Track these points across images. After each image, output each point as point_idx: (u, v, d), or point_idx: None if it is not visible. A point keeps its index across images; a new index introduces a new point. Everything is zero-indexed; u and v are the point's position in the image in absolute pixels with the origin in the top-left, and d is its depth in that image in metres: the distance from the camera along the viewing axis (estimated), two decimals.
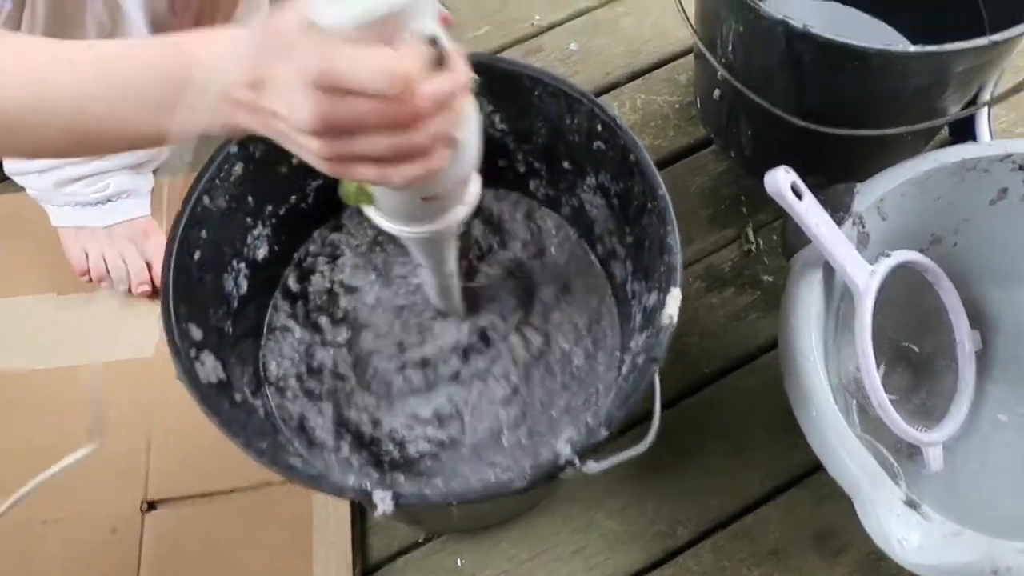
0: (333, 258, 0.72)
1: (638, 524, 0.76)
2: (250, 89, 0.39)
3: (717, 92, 0.85)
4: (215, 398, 0.54)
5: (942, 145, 0.86)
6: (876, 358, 0.67)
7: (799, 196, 0.65)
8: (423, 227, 0.52)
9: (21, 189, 0.86)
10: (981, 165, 0.71)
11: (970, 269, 0.77)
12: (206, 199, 0.60)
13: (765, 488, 0.77)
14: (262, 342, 0.68)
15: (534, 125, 0.68)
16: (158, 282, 0.73)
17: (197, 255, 0.59)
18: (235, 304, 0.64)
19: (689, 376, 0.82)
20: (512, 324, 0.70)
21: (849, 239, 0.68)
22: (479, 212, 0.75)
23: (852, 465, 0.60)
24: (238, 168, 0.62)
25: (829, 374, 0.65)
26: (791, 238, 0.71)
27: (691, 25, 0.80)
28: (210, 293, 0.61)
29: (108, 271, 0.84)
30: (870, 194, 0.70)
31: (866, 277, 0.68)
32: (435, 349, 0.67)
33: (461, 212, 0.53)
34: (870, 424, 0.74)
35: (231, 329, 0.63)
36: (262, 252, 0.67)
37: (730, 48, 0.77)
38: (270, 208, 0.67)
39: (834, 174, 0.78)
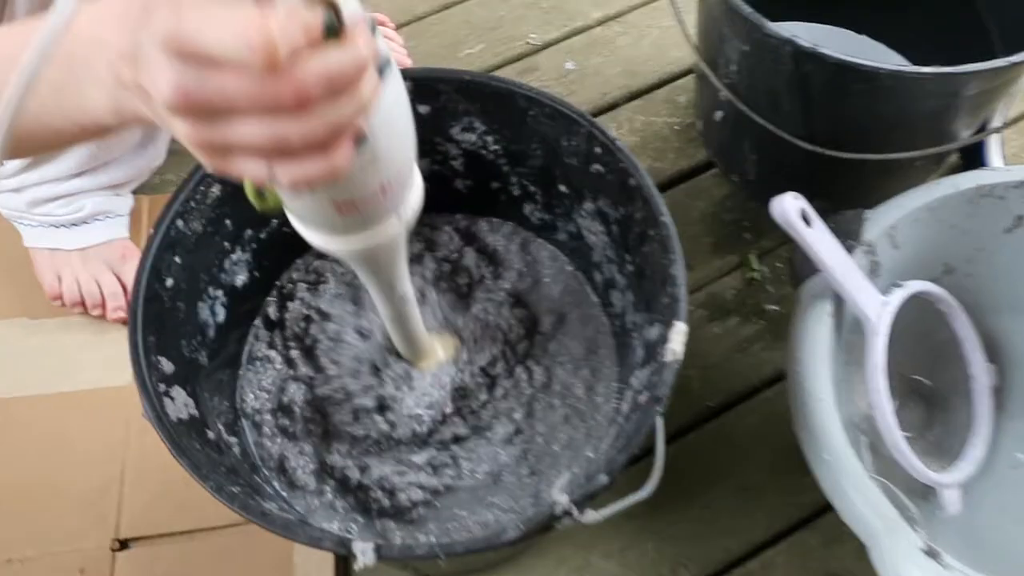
0: (316, 284, 0.68)
1: (638, 567, 0.72)
2: (129, 66, 0.32)
3: (719, 113, 0.82)
4: (185, 437, 0.50)
5: (951, 172, 0.84)
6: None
7: (808, 223, 0.62)
8: (349, 241, 0.44)
9: None
10: (997, 191, 0.68)
11: (985, 300, 0.74)
12: (180, 222, 0.56)
13: (772, 530, 0.74)
14: (240, 372, 0.64)
15: (529, 147, 0.65)
16: None
17: (170, 282, 0.56)
18: (211, 333, 0.60)
19: (691, 410, 0.78)
20: (515, 358, 0.67)
21: (860, 268, 0.65)
22: (472, 242, 0.72)
23: (868, 511, 0.57)
24: (215, 189, 0.58)
25: (839, 410, 0.62)
26: (799, 267, 0.68)
27: (693, 44, 0.77)
28: (184, 322, 0.57)
29: (82, 295, 0.80)
30: (881, 221, 0.67)
31: (878, 308, 0.65)
32: (420, 394, 0.64)
33: (394, 227, 0.44)
34: (881, 462, 0.70)
35: (206, 360, 0.59)
36: (241, 279, 0.63)
37: (734, 68, 0.74)
38: (250, 232, 0.63)
39: (840, 199, 0.75)
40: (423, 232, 0.72)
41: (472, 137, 0.66)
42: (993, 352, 0.75)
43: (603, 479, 0.48)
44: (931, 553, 0.54)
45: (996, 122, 0.80)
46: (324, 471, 0.61)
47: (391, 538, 0.60)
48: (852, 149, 0.71)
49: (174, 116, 0.31)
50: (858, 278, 0.64)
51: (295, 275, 0.69)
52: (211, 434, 0.55)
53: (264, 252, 0.65)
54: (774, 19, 0.65)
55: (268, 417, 0.62)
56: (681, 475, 0.75)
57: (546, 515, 0.47)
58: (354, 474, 0.60)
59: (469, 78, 0.64)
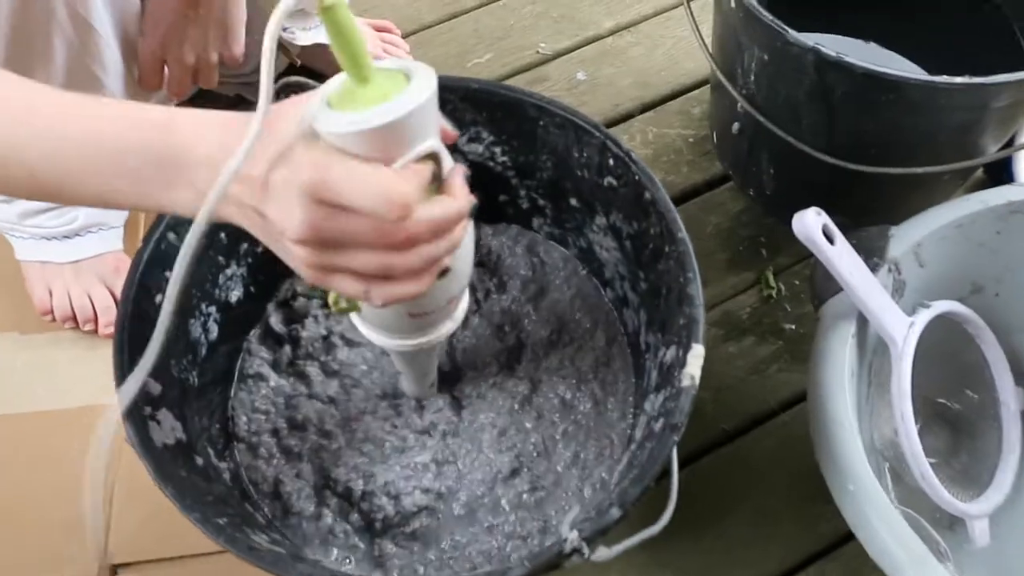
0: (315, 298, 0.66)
1: None
2: (243, 185, 0.37)
3: (736, 125, 0.79)
4: (170, 464, 0.47)
5: (974, 187, 0.81)
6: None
7: (830, 240, 0.59)
8: (408, 340, 0.50)
9: None
10: None
11: (1014, 321, 0.71)
12: (171, 235, 0.54)
13: (788, 562, 0.70)
14: (232, 392, 0.61)
15: (539, 158, 0.63)
16: None
17: (159, 298, 0.53)
18: (203, 352, 0.58)
19: (704, 433, 0.75)
20: (491, 383, 0.64)
21: (884, 287, 0.62)
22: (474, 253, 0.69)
23: (895, 545, 0.54)
24: None
25: (862, 436, 0.59)
26: (820, 285, 0.65)
27: (709, 54, 0.74)
28: (174, 341, 0.55)
29: (73, 310, 0.77)
30: (907, 238, 0.65)
31: (904, 330, 0.62)
32: (434, 409, 0.61)
33: (448, 327, 0.51)
34: (905, 490, 0.67)
35: (196, 379, 0.56)
36: (236, 294, 0.61)
37: (752, 78, 0.71)
38: (246, 246, 0.60)
39: (860, 215, 0.72)
40: None
41: (479, 148, 0.64)
42: (1022, 375, 0.71)
43: (615, 513, 0.45)
44: None
45: None
46: (326, 488, 0.58)
47: (390, 568, 0.57)
48: (875, 163, 0.68)
49: (296, 244, 0.37)
50: (883, 298, 0.62)
51: (299, 287, 0.66)
52: (199, 460, 0.52)
53: (260, 266, 0.62)
54: None
55: (266, 438, 0.60)
56: (694, 501, 0.72)
57: (554, 552, 0.44)
58: (359, 484, 0.58)
59: (477, 86, 0.61)
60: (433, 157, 0.38)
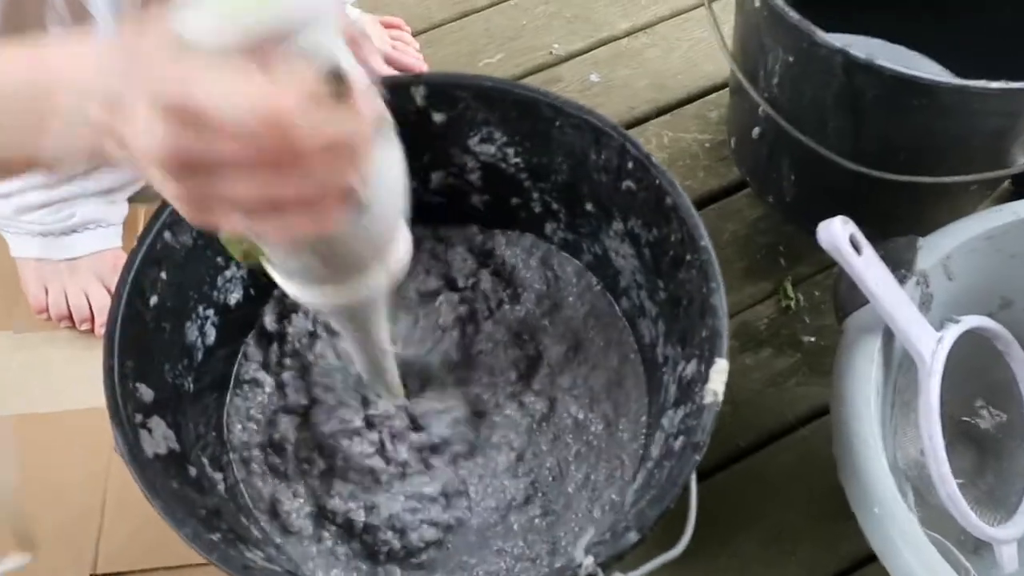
0: None
1: None
2: (105, 110, 0.32)
3: (757, 130, 0.76)
4: (161, 475, 0.45)
5: (1002, 199, 0.78)
6: None
7: (857, 250, 0.57)
8: (331, 296, 0.42)
9: None
10: None
11: None
12: (168, 234, 0.51)
13: None
14: (227, 397, 0.59)
15: (554, 160, 0.60)
16: None
17: (154, 300, 0.50)
18: (199, 356, 0.55)
19: (721, 449, 0.72)
20: (507, 392, 0.62)
21: (912, 300, 0.59)
22: (487, 262, 0.66)
23: (921, 571, 0.51)
24: None
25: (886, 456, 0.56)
26: (844, 297, 0.62)
27: (730, 55, 0.72)
28: (168, 345, 0.52)
29: (69, 309, 0.75)
30: (936, 249, 0.62)
31: (932, 345, 0.59)
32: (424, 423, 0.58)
33: (382, 280, 0.42)
34: (928, 512, 0.65)
35: (191, 385, 0.53)
36: (235, 296, 0.58)
37: (775, 81, 0.68)
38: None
39: (884, 225, 0.69)
40: (437, 251, 0.66)
41: (491, 148, 0.61)
42: None
43: (632, 537, 0.42)
44: None
45: None
46: (323, 516, 0.55)
47: None
48: (903, 170, 0.65)
49: (157, 169, 0.30)
50: (911, 311, 0.59)
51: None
52: (192, 470, 0.49)
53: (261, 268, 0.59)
54: None
55: (257, 453, 0.57)
56: (708, 518, 0.68)
57: None
58: (359, 516, 0.55)
59: (490, 84, 0.59)
60: (331, 68, 0.31)
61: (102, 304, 0.75)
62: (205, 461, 0.52)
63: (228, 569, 0.41)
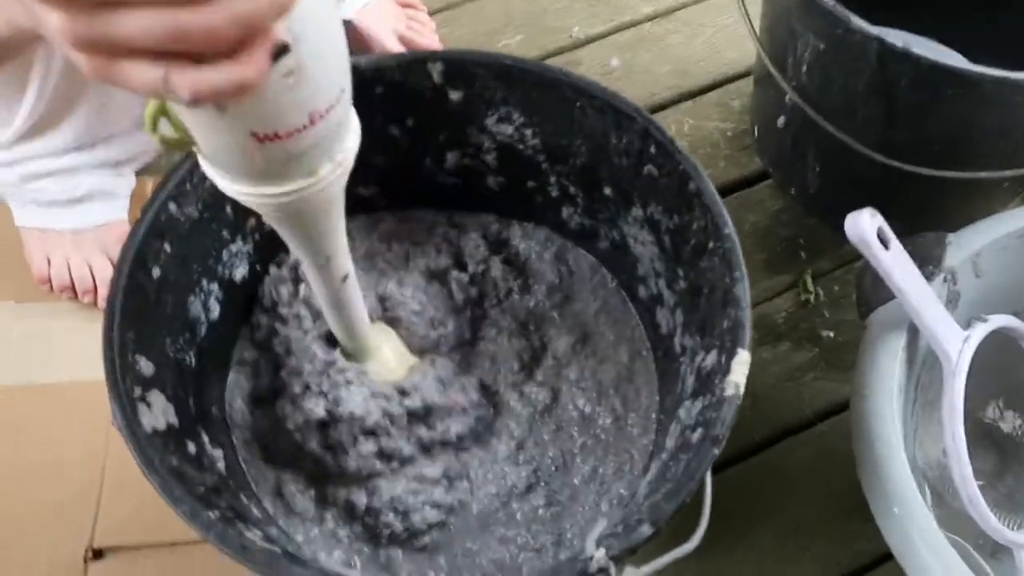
0: None
1: None
2: None
3: (782, 119, 0.74)
4: (159, 450, 0.43)
5: None
6: None
7: (885, 245, 0.55)
8: (270, 187, 0.36)
9: None
10: None
11: None
12: (172, 206, 0.50)
13: None
14: (229, 375, 0.57)
15: (573, 143, 0.58)
16: None
17: (157, 272, 0.49)
18: (202, 331, 0.53)
19: (736, 443, 0.71)
20: (509, 381, 0.60)
21: (939, 297, 0.57)
22: (499, 250, 0.64)
23: (942, 574, 0.49)
24: None
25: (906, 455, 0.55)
26: (869, 292, 0.60)
27: (758, 40, 0.70)
28: (171, 318, 0.50)
29: (72, 280, 0.74)
30: (966, 246, 0.60)
31: (959, 344, 0.58)
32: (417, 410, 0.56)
33: (327, 170, 0.36)
34: (946, 512, 0.63)
35: (194, 361, 0.52)
36: (240, 272, 0.57)
37: (804, 68, 0.66)
38: (254, 221, 0.56)
39: (911, 220, 0.67)
40: (450, 235, 0.65)
41: (508, 129, 0.59)
42: None
43: (646, 531, 0.41)
44: None
45: None
46: (324, 500, 0.54)
47: (397, 572, 0.53)
48: (935, 164, 0.63)
49: (52, 10, 0.25)
50: (937, 309, 0.57)
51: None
52: (192, 447, 0.47)
53: (268, 244, 0.58)
54: None
55: (251, 433, 0.55)
56: (723, 512, 0.67)
57: (578, 571, 0.39)
58: (361, 499, 0.53)
59: (511, 63, 0.57)
60: None
61: (106, 276, 0.74)
62: (205, 438, 0.50)
63: (225, 548, 0.40)
